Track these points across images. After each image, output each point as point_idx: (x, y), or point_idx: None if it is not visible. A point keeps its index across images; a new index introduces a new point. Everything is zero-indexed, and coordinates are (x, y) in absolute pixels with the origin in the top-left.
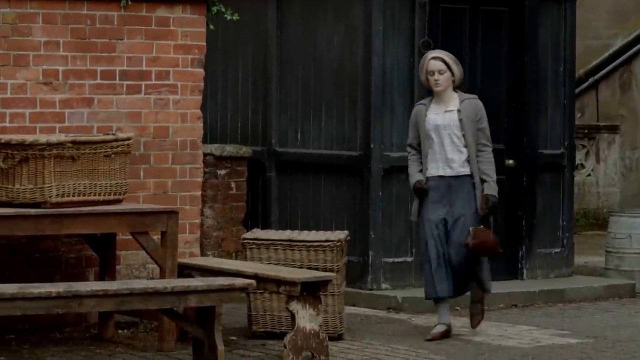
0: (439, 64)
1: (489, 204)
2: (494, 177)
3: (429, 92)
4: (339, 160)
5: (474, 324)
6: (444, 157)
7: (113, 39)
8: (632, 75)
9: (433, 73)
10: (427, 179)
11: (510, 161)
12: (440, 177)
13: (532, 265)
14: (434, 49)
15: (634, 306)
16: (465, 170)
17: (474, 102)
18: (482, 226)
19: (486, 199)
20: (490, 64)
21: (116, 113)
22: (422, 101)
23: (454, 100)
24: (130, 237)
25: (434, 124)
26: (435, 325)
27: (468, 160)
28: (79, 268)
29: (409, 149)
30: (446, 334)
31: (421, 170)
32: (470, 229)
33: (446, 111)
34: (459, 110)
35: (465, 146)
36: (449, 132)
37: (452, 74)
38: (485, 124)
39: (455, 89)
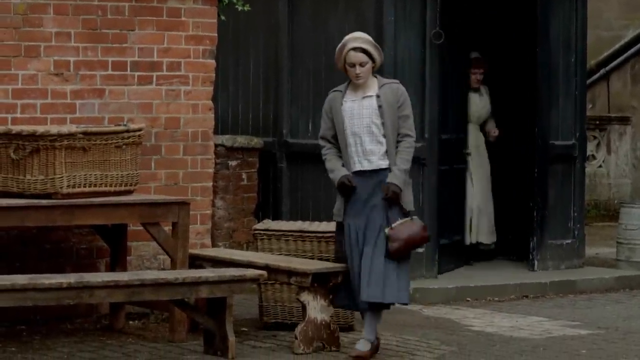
0: (359, 55)
1: (389, 193)
2: (405, 166)
3: (441, 82)
4: None
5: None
6: (362, 150)
7: (124, 30)
8: None
9: (353, 65)
10: None
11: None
12: (359, 172)
13: (543, 256)
14: (445, 40)
15: None
16: (385, 164)
17: (395, 87)
18: (400, 221)
19: (386, 188)
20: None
21: (127, 104)
22: (338, 87)
23: (373, 85)
24: (142, 228)
25: (351, 112)
26: (359, 340)
27: (387, 152)
28: (90, 259)
29: (322, 142)
30: (372, 354)
31: (344, 165)
32: (387, 231)
33: (364, 97)
34: (377, 96)
35: (384, 136)
36: (367, 120)
37: (373, 61)
38: (407, 111)
39: (374, 73)
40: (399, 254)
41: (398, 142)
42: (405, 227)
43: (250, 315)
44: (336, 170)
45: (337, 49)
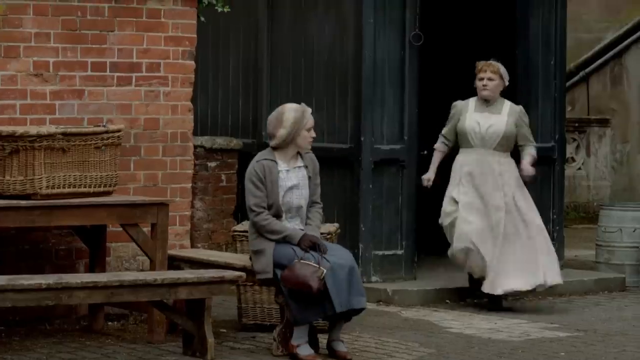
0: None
1: (313, 240)
2: (319, 223)
3: (423, 85)
4: (330, 153)
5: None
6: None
7: (104, 31)
8: (623, 68)
9: (310, 129)
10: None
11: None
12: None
13: None
14: (424, 41)
15: (624, 300)
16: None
17: (312, 156)
18: (307, 261)
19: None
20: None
21: (107, 105)
22: (264, 155)
23: (298, 154)
24: (121, 229)
25: (290, 184)
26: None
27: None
28: (69, 260)
29: (259, 209)
30: None
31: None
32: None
33: (296, 167)
34: (306, 167)
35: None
36: (302, 191)
37: None
38: (318, 179)
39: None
40: (286, 284)
41: (310, 207)
42: (297, 268)
43: (229, 316)
44: (289, 229)
45: (295, 118)
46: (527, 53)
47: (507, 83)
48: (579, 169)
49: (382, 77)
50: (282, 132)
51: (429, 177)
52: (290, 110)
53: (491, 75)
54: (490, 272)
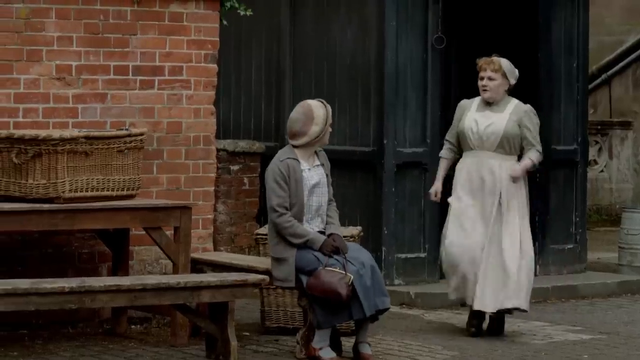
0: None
1: (336, 243)
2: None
3: (446, 88)
4: (352, 156)
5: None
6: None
7: (126, 34)
8: None
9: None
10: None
11: None
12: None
13: (545, 261)
14: (447, 44)
15: None
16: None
17: (324, 154)
18: (332, 267)
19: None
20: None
21: (129, 108)
22: (287, 154)
23: (314, 153)
24: (144, 232)
25: (313, 182)
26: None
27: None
28: (92, 263)
29: (282, 209)
30: None
31: None
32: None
33: (315, 166)
34: (322, 165)
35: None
36: (322, 190)
37: None
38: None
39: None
40: (313, 292)
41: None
42: (324, 275)
43: (252, 319)
44: (312, 233)
45: (324, 114)
46: (550, 56)
47: (513, 81)
48: (602, 171)
49: (404, 80)
50: (315, 129)
51: (435, 189)
52: (317, 107)
53: (491, 74)
54: (478, 289)
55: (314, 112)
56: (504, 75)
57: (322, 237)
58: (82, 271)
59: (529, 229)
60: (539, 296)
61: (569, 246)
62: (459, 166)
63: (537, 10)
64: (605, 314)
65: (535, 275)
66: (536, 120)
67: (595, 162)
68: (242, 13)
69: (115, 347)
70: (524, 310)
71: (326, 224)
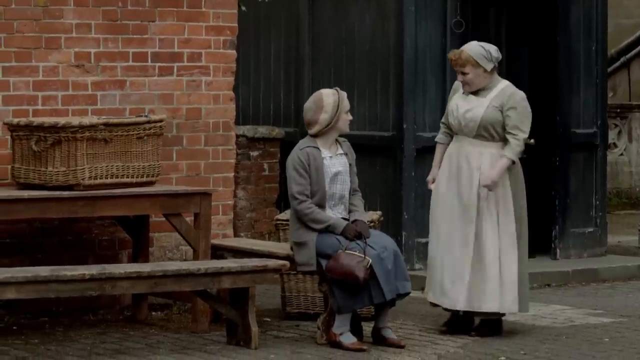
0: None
1: (358, 228)
2: (363, 209)
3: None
4: (372, 141)
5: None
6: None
7: (145, 21)
8: None
9: (348, 112)
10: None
11: (531, 140)
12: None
13: (565, 244)
14: (466, 29)
15: None
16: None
17: (349, 144)
18: (352, 251)
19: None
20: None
21: (148, 95)
22: (307, 143)
23: (336, 142)
24: (164, 219)
25: (335, 170)
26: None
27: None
28: (112, 250)
29: (303, 197)
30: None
31: None
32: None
33: (337, 154)
34: (346, 154)
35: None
36: (344, 178)
37: None
38: (355, 167)
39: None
40: (331, 274)
41: (352, 195)
42: (343, 258)
43: (272, 305)
44: (331, 219)
45: (334, 101)
46: (568, 40)
47: (490, 65)
48: (621, 154)
49: (423, 64)
50: (324, 117)
51: (432, 176)
52: (327, 95)
53: (462, 68)
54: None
55: (324, 100)
56: (476, 64)
57: (344, 222)
58: (102, 258)
59: (514, 222)
60: (559, 280)
61: (589, 230)
62: (446, 153)
63: None
64: (626, 297)
65: (556, 258)
66: (522, 105)
67: (615, 145)
68: None
69: (136, 333)
70: (502, 314)
71: (350, 212)
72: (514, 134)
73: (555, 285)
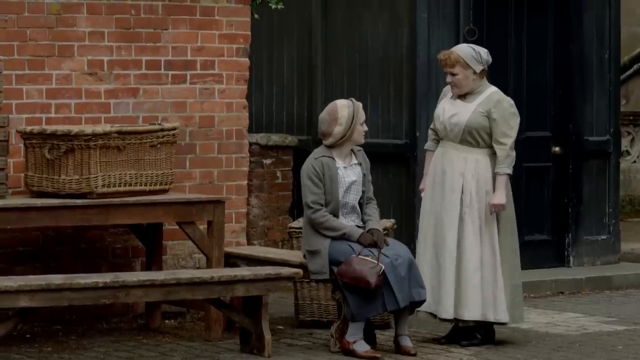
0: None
1: (374, 237)
2: (379, 218)
3: None
4: (385, 149)
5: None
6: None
7: (158, 29)
8: None
9: (363, 123)
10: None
11: (557, 148)
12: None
13: (578, 252)
14: (479, 37)
15: None
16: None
17: (364, 153)
18: (364, 256)
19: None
20: (535, 51)
21: (161, 103)
22: (322, 152)
23: (351, 152)
24: (177, 227)
25: (349, 180)
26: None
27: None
28: (126, 258)
29: (317, 206)
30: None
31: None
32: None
33: (352, 164)
34: (360, 164)
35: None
36: (359, 188)
37: None
38: (370, 176)
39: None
40: (343, 278)
41: (367, 204)
42: (356, 262)
43: (286, 313)
44: (347, 226)
45: (349, 114)
46: (582, 47)
47: (479, 67)
48: (634, 162)
49: (436, 72)
50: (338, 130)
51: (423, 185)
52: (343, 107)
53: (451, 69)
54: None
55: (338, 113)
56: (466, 65)
57: (360, 230)
58: (115, 266)
59: (496, 235)
60: (572, 287)
61: (602, 237)
62: (433, 156)
63: (568, 1)
64: (639, 305)
65: (569, 266)
66: (510, 112)
67: (628, 153)
68: (273, 7)
69: (149, 342)
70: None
71: (365, 222)
72: (501, 144)
73: (569, 293)
